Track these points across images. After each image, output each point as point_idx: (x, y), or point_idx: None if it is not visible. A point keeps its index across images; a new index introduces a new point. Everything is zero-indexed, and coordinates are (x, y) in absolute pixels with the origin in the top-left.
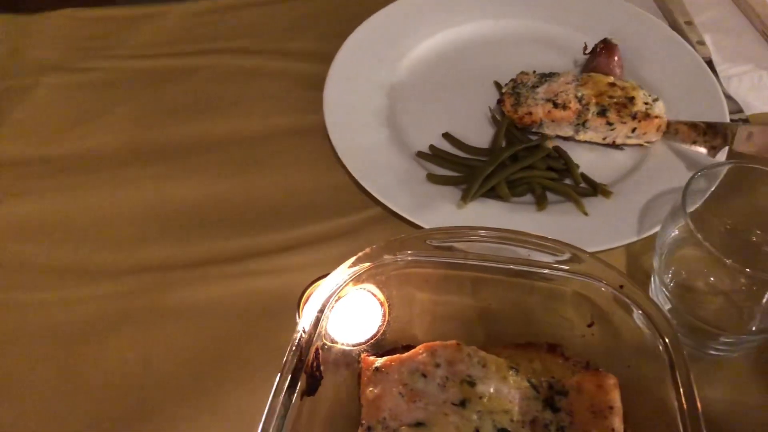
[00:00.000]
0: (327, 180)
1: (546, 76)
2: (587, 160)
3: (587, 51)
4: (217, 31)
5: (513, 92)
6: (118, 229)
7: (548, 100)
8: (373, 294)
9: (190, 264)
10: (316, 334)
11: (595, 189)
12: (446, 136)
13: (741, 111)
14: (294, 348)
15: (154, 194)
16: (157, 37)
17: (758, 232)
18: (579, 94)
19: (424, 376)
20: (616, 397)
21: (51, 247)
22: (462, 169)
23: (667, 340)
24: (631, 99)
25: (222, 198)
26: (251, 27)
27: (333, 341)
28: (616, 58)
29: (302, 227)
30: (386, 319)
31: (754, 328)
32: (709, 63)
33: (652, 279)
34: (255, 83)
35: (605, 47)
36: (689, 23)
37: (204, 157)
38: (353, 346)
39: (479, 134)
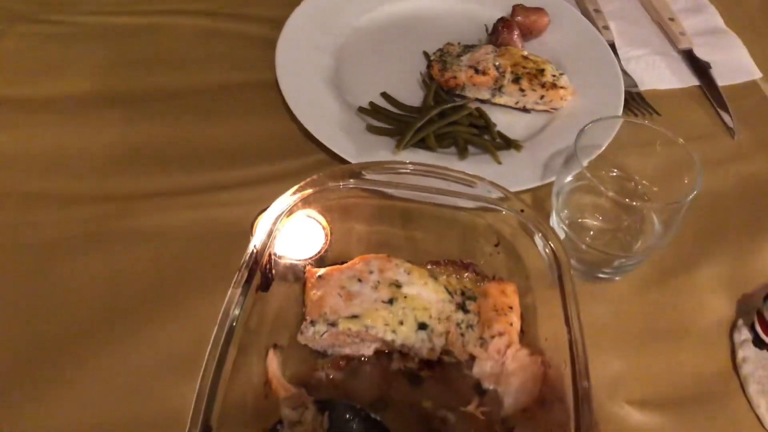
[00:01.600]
0: (277, 128)
1: (469, 47)
2: (502, 121)
3: (489, 31)
4: None
5: (440, 60)
6: (85, 163)
7: (470, 67)
8: (316, 220)
9: (152, 194)
10: (269, 244)
11: (508, 144)
12: (384, 95)
13: (635, 86)
14: (251, 253)
15: (118, 134)
16: None
17: (643, 181)
18: (497, 63)
19: (360, 281)
20: (515, 300)
21: (21, 175)
22: (396, 124)
23: (557, 254)
24: (542, 71)
25: (181, 140)
26: None
27: (281, 257)
28: (515, 33)
29: (254, 167)
30: (328, 240)
31: (633, 252)
32: (612, 45)
33: (551, 216)
34: (213, 42)
35: (505, 25)
36: (597, 11)
37: (165, 104)
38: (299, 261)
39: (411, 95)
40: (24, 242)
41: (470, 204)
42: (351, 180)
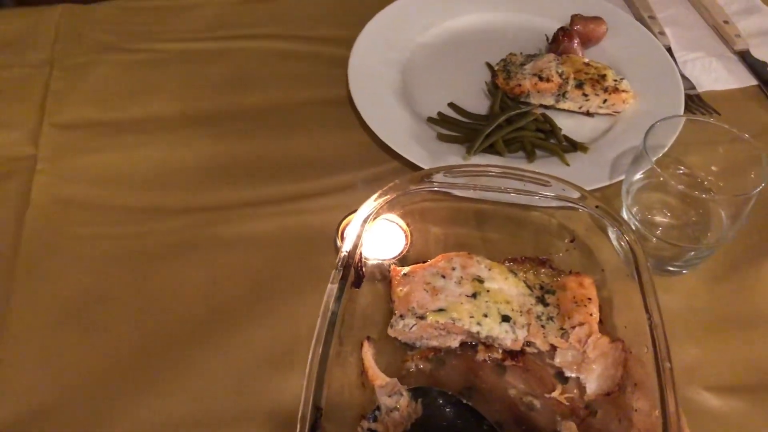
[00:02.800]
0: (352, 140)
1: (531, 56)
2: (566, 125)
3: (550, 41)
4: (250, 19)
5: (504, 69)
6: (179, 178)
7: (534, 75)
8: (397, 223)
9: (242, 204)
10: (359, 245)
11: (574, 146)
12: (451, 105)
13: (693, 88)
14: (345, 252)
15: (206, 151)
16: (198, 24)
17: (709, 177)
18: (560, 71)
19: (443, 277)
20: (593, 291)
21: (123, 191)
22: (465, 131)
23: (632, 247)
24: (603, 76)
25: (263, 155)
26: (280, 16)
27: (368, 257)
28: (576, 41)
29: (332, 176)
30: (408, 242)
31: (702, 245)
32: (669, 50)
33: (621, 213)
34: (286, 63)
35: (565, 34)
36: (652, 17)
37: (247, 122)
38: (384, 260)
39: (477, 104)
40: (130, 251)
41: (546, 203)
42: (431, 183)
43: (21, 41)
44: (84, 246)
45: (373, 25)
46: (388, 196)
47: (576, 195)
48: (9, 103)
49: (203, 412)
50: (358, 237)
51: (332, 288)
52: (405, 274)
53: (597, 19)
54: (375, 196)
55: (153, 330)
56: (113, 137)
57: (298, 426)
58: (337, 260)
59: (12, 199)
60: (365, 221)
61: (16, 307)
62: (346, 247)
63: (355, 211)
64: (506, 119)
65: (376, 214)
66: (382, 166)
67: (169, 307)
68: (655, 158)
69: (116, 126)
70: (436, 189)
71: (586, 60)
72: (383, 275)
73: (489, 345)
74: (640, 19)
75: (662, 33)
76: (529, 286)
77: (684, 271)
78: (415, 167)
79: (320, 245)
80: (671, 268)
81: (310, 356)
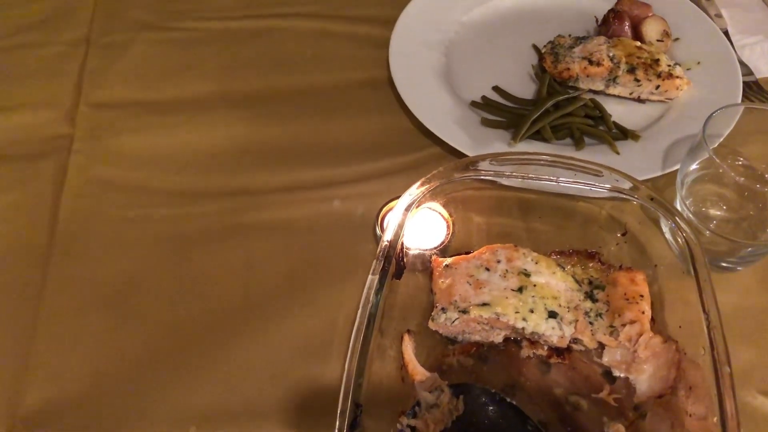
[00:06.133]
0: (391, 124)
1: (581, 39)
2: (616, 111)
3: (599, 23)
4: None
5: (552, 52)
6: (215, 161)
7: (584, 58)
8: (438, 212)
9: (279, 189)
10: (401, 235)
11: (625, 134)
12: (496, 89)
13: (752, 74)
14: (386, 242)
15: (243, 132)
16: (235, 3)
17: None
18: (611, 54)
19: (488, 269)
20: (645, 288)
21: (159, 173)
22: (510, 116)
23: (689, 242)
24: (657, 61)
25: (302, 137)
26: None
27: (409, 247)
28: (627, 24)
29: (372, 162)
30: (450, 231)
31: (759, 241)
32: (726, 33)
33: (675, 204)
34: (325, 43)
35: (616, 16)
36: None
37: (284, 104)
38: (426, 251)
39: (522, 88)
40: (166, 234)
41: (597, 194)
42: (476, 171)
43: (57, 19)
44: (120, 229)
45: (416, 4)
46: (431, 184)
47: (629, 186)
48: (45, 82)
49: (237, 401)
50: (400, 227)
51: (373, 279)
52: (447, 266)
53: (644, 5)
54: (418, 183)
55: (188, 316)
56: (149, 117)
57: (338, 422)
58: (378, 250)
59: (48, 179)
60: (407, 210)
61: (51, 290)
62: (387, 236)
63: (395, 198)
64: (554, 104)
65: (419, 202)
66: (423, 152)
67: (204, 293)
68: (712, 148)
69: (152, 106)
70: (482, 177)
71: (638, 43)
72: (424, 266)
73: (534, 341)
74: (696, 1)
75: (719, 15)
76: (577, 281)
77: (738, 268)
78: (457, 153)
79: (359, 233)
80: (725, 264)
81: (349, 350)
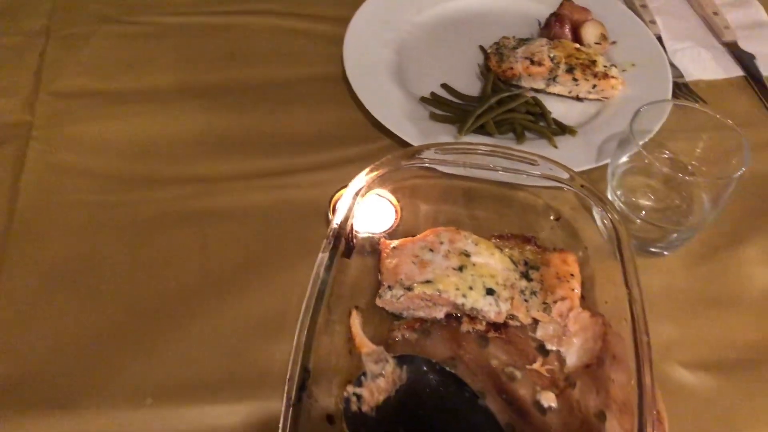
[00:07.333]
0: (344, 118)
1: (524, 40)
2: (556, 109)
3: (542, 26)
4: None
5: (497, 52)
6: (173, 149)
7: (526, 58)
8: (387, 198)
9: (235, 177)
10: (350, 217)
11: (563, 129)
12: (444, 86)
13: (682, 76)
14: (337, 223)
15: (201, 122)
16: None
17: (692, 162)
18: (551, 55)
19: (431, 250)
20: (576, 268)
21: (118, 160)
22: (457, 112)
23: (616, 225)
24: (594, 62)
25: (258, 128)
26: None
27: (358, 231)
28: (567, 27)
29: (325, 152)
30: (398, 217)
31: (686, 226)
32: (659, 38)
33: (606, 193)
34: (282, 39)
35: (557, 19)
36: (644, 6)
37: (242, 96)
38: (374, 234)
39: (469, 85)
40: (123, 218)
41: (533, 182)
42: (422, 159)
43: (17, 9)
44: (78, 212)
45: (370, 4)
46: (380, 171)
47: (562, 174)
48: (4, 71)
49: (195, 375)
50: (350, 209)
51: (323, 257)
52: (394, 247)
53: (584, 10)
54: (367, 170)
55: (145, 296)
56: (109, 107)
57: (286, 386)
58: (328, 230)
59: (7, 164)
60: (357, 194)
61: (8, 269)
62: (337, 218)
63: (347, 185)
64: (497, 101)
65: (368, 188)
66: (374, 144)
67: (161, 274)
68: (641, 142)
69: (111, 96)
70: (426, 165)
71: (577, 45)
72: (373, 248)
73: (473, 317)
74: (632, 8)
75: (653, 22)
76: (513, 262)
77: (665, 253)
78: (407, 146)
79: (312, 219)
80: (653, 249)
81: (299, 321)
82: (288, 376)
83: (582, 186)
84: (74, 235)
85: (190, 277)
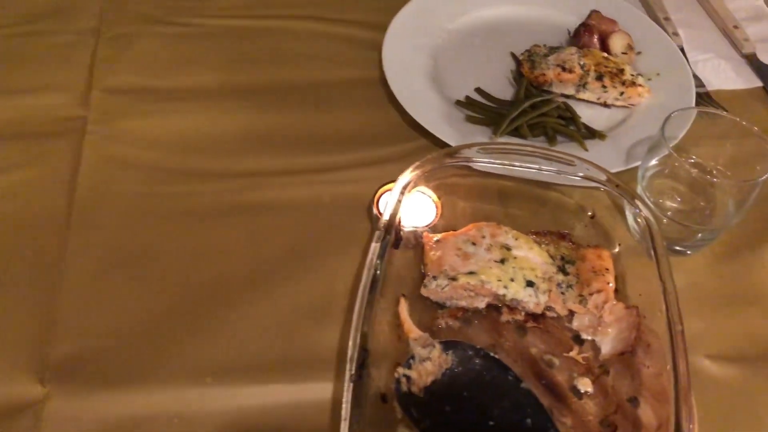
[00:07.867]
0: (383, 119)
1: (555, 48)
2: (585, 114)
3: (571, 35)
4: (286, 1)
5: (529, 59)
6: (219, 145)
7: (557, 65)
8: (428, 195)
9: (280, 172)
10: (398, 210)
11: (593, 134)
12: (478, 90)
13: (703, 86)
14: (388, 215)
15: (246, 120)
16: (237, 2)
17: (718, 167)
18: (581, 63)
19: (473, 244)
20: (610, 263)
21: (168, 154)
22: (491, 115)
23: (649, 222)
24: (622, 70)
25: (300, 127)
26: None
27: (403, 225)
28: (596, 37)
29: (364, 151)
30: (439, 213)
31: (711, 227)
32: (682, 50)
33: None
34: (321, 43)
35: (586, 29)
36: (667, 19)
37: (284, 97)
38: (418, 228)
39: (501, 90)
40: (177, 209)
41: (570, 182)
42: (465, 158)
43: (68, 10)
44: (133, 203)
45: (406, 12)
46: (424, 168)
47: (599, 176)
48: (57, 68)
49: (248, 355)
50: (399, 202)
51: (376, 246)
52: (437, 241)
53: (611, 21)
54: (412, 167)
55: (199, 281)
56: (159, 103)
57: (347, 365)
58: (380, 222)
59: (65, 156)
60: (404, 189)
61: (71, 255)
62: (388, 210)
63: (390, 182)
64: (530, 105)
65: (413, 185)
66: (411, 143)
67: (214, 261)
68: (671, 145)
69: (161, 93)
70: (470, 163)
71: (606, 54)
72: (416, 241)
73: (513, 308)
74: (656, 20)
75: (676, 34)
76: (551, 256)
77: (689, 252)
78: (443, 145)
79: (353, 213)
80: (678, 248)
81: (357, 304)
82: (349, 356)
83: (617, 186)
84: (131, 223)
85: (240, 264)
